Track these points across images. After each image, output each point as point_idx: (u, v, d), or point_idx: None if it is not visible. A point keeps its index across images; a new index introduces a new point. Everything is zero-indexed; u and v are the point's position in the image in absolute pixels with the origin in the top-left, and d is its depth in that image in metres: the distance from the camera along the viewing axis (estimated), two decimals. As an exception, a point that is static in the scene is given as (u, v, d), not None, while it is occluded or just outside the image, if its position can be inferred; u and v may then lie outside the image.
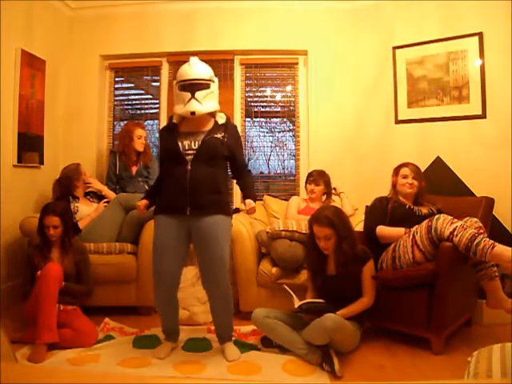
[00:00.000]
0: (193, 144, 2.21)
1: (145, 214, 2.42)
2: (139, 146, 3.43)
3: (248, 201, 2.29)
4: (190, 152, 2.20)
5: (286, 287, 2.47)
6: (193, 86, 2.19)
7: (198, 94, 2.19)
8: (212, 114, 2.31)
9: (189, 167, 2.18)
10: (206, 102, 2.21)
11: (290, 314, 2.44)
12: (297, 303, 2.33)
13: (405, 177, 2.74)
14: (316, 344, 2.24)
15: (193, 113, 2.18)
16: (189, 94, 2.19)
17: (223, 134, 2.25)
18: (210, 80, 2.24)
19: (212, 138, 2.23)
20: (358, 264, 2.39)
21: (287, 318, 2.41)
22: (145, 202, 2.37)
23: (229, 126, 2.32)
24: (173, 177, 2.24)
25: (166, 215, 2.24)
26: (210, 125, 2.28)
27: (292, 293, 2.40)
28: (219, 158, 2.24)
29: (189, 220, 2.20)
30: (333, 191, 3.26)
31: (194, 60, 2.25)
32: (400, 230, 2.54)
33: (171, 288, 2.30)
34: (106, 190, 3.32)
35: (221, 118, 2.32)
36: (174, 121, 2.33)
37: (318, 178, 3.19)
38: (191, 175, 2.17)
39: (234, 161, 2.34)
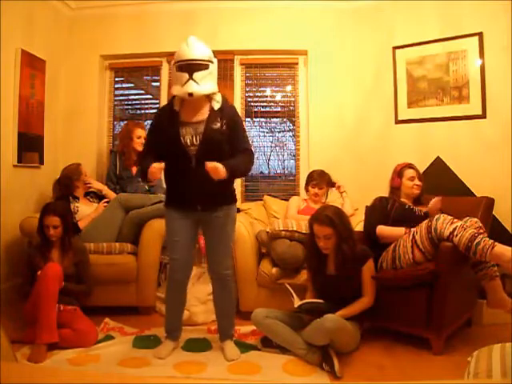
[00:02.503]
0: (194, 139, 2.19)
1: (159, 176, 2.21)
2: (138, 146, 3.42)
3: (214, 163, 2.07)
4: (192, 148, 2.19)
5: (287, 286, 2.47)
6: (191, 67, 2.14)
7: (196, 75, 2.14)
8: (208, 98, 2.25)
9: (193, 164, 2.18)
10: (204, 83, 2.15)
11: (290, 314, 2.44)
12: (297, 303, 2.33)
13: (412, 179, 2.74)
14: (316, 344, 2.24)
15: (190, 94, 2.13)
16: (186, 75, 2.13)
17: (220, 122, 2.21)
18: (208, 61, 2.18)
19: (211, 130, 2.20)
20: (358, 264, 2.39)
21: (287, 318, 2.41)
22: (162, 164, 2.16)
23: (225, 111, 2.25)
24: (179, 174, 2.24)
25: (177, 209, 2.29)
26: (207, 111, 2.23)
27: (293, 292, 2.40)
28: (221, 149, 2.22)
29: (199, 213, 2.28)
30: (337, 188, 3.24)
31: (191, 39, 2.18)
32: (400, 230, 2.54)
33: (183, 279, 2.38)
34: (106, 190, 3.32)
35: (216, 103, 2.25)
36: (176, 108, 2.26)
37: (321, 181, 3.17)
38: (196, 173, 2.16)
39: (231, 142, 2.25)
